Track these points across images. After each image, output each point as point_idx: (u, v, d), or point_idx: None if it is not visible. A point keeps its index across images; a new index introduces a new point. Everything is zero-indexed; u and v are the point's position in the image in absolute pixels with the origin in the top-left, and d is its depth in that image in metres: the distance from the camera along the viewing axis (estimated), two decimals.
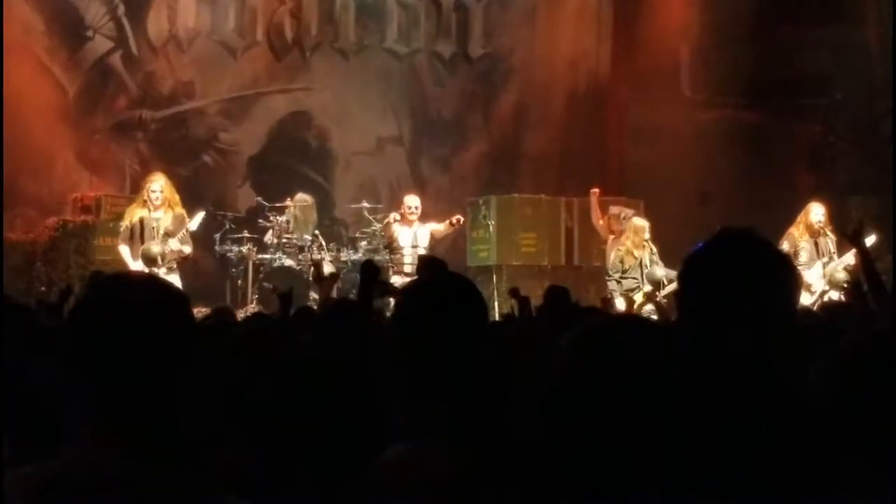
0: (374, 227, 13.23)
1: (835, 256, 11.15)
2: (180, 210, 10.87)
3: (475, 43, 16.85)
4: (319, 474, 2.91)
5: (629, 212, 12.80)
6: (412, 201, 12.33)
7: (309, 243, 12.75)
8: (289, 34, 15.94)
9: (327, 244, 12.96)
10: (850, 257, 10.54)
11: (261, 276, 12.55)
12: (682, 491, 1.79)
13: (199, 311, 8.85)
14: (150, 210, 10.73)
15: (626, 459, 1.63)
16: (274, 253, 12.71)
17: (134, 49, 15.13)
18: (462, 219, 12.35)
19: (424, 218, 12.34)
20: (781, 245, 10.92)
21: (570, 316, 6.17)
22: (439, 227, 12.19)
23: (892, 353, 1.83)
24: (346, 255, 13.10)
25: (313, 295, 11.10)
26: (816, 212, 11.32)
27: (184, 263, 10.90)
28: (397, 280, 11.67)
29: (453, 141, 16.68)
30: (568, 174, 15.56)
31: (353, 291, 10.99)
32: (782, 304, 2.23)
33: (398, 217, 12.28)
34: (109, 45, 15.06)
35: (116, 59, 15.08)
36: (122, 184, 14.44)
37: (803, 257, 11.05)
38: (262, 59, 15.87)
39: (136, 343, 1.86)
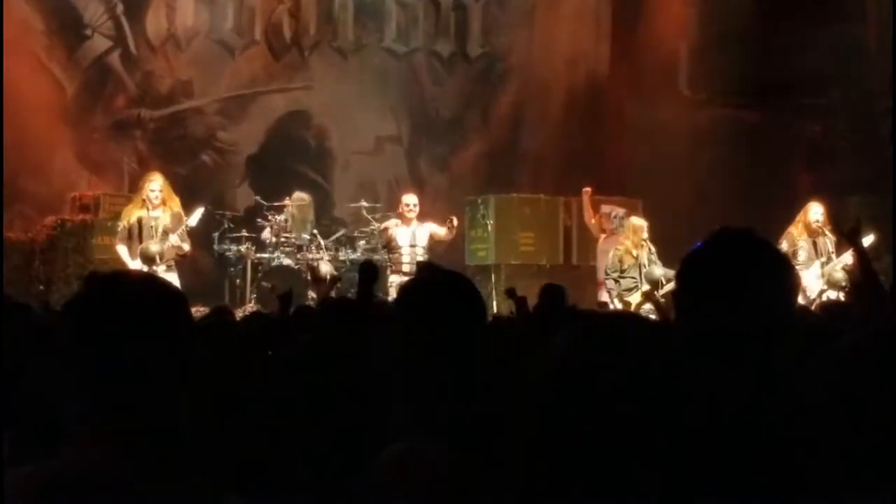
0: (372, 227, 13.22)
1: (833, 256, 11.15)
2: (178, 208, 10.88)
3: (474, 42, 16.86)
4: (319, 474, 2.91)
5: (620, 211, 12.84)
6: (410, 199, 12.32)
7: (307, 242, 12.75)
8: (287, 33, 15.95)
9: (325, 243, 12.95)
10: (847, 257, 10.55)
11: (259, 275, 12.54)
12: (682, 491, 1.79)
13: (198, 311, 8.86)
14: (148, 209, 10.73)
15: (626, 459, 1.63)
16: (272, 252, 12.71)
17: (133, 48, 15.14)
18: (455, 219, 12.31)
19: (423, 217, 12.33)
20: (780, 244, 10.93)
21: (566, 315, 6.18)
22: (440, 232, 12.15)
23: (893, 353, 1.83)
24: (345, 255, 13.10)
25: (312, 294, 11.10)
26: (815, 211, 11.32)
27: (182, 261, 10.90)
28: (395, 279, 11.66)
29: (452, 140, 16.69)
30: (566, 173, 15.55)
31: (352, 291, 10.99)
32: (781, 304, 2.23)
33: (398, 223, 12.27)
34: (108, 44, 15.06)
35: (115, 59, 15.09)
36: (120, 183, 14.43)
37: (801, 257, 11.06)
38: (261, 59, 15.88)
39: (134, 343, 1.86)
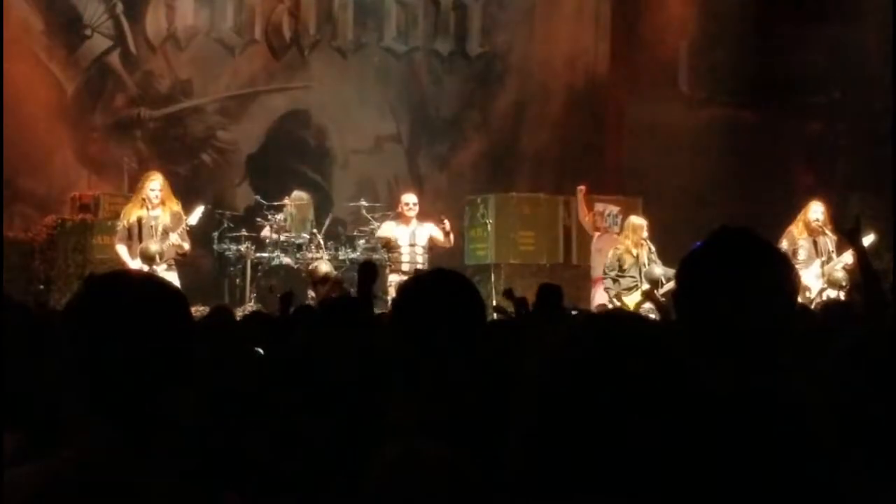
0: (372, 226, 13.22)
1: (833, 256, 11.15)
2: (177, 207, 10.89)
3: (473, 41, 16.85)
4: (319, 474, 2.91)
5: (614, 209, 12.86)
6: (410, 199, 12.31)
7: (307, 241, 12.75)
8: (287, 33, 15.94)
9: (325, 242, 12.95)
10: (848, 256, 10.55)
11: (259, 274, 12.54)
12: (682, 491, 1.79)
13: (198, 310, 8.87)
14: (148, 209, 10.74)
15: (625, 459, 1.63)
16: (272, 251, 12.71)
17: (132, 48, 15.14)
18: (447, 222, 12.22)
19: (423, 216, 12.32)
20: (781, 243, 10.94)
21: (563, 314, 6.19)
22: (439, 237, 12.11)
23: (893, 353, 1.83)
24: (345, 254, 13.09)
25: (311, 294, 11.10)
26: (815, 210, 11.32)
27: (182, 260, 10.90)
28: (395, 278, 11.66)
29: (451, 139, 16.68)
30: (566, 172, 15.55)
31: (352, 290, 10.98)
32: (781, 304, 2.23)
33: (396, 223, 12.24)
34: (108, 43, 15.06)
35: (115, 58, 15.09)
36: (120, 182, 14.42)
37: (801, 255, 11.06)
38: (261, 58, 15.88)
39: (135, 343, 1.86)
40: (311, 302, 9.98)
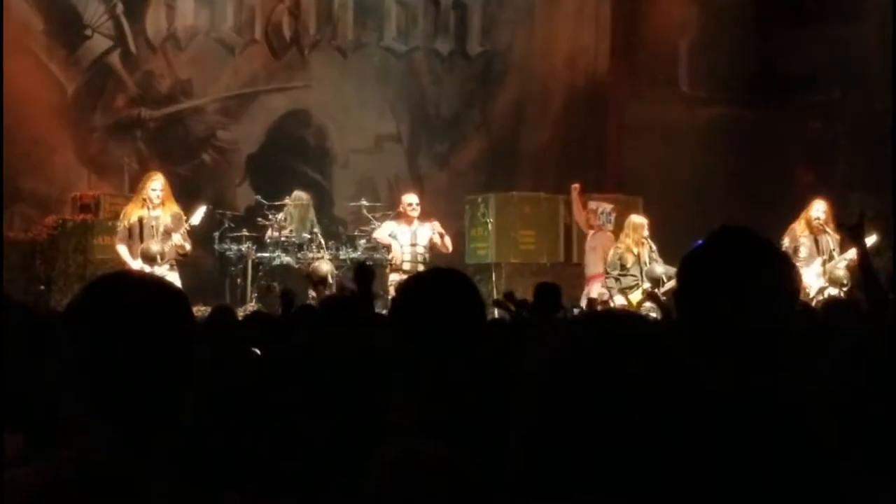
0: (373, 226, 13.21)
1: (835, 254, 11.14)
2: (177, 208, 10.89)
3: (473, 40, 16.85)
4: (319, 474, 2.91)
5: (607, 206, 12.87)
6: (412, 199, 12.31)
7: (307, 241, 12.74)
8: (287, 32, 15.95)
9: (326, 242, 12.94)
10: (852, 253, 10.52)
11: (260, 274, 12.54)
12: (682, 491, 1.79)
13: (199, 310, 8.87)
14: (148, 209, 10.74)
15: (625, 459, 1.63)
16: (273, 251, 12.70)
17: (132, 48, 15.14)
18: (445, 235, 12.23)
19: (424, 216, 12.31)
20: (782, 241, 10.96)
21: (562, 314, 6.19)
22: (437, 241, 12.12)
23: (893, 353, 1.83)
24: (345, 254, 13.09)
25: (312, 293, 11.10)
26: (817, 208, 11.32)
27: (183, 260, 10.90)
28: (395, 277, 11.66)
29: (452, 139, 16.69)
30: (567, 171, 15.54)
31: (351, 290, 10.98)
32: (782, 302, 2.23)
33: (396, 223, 12.23)
34: (108, 43, 15.06)
35: (115, 58, 15.09)
36: (121, 182, 14.42)
37: (803, 254, 11.06)
38: (261, 58, 15.88)
39: (135, 343, 1.86)
40: (312, 302, 9.99)
